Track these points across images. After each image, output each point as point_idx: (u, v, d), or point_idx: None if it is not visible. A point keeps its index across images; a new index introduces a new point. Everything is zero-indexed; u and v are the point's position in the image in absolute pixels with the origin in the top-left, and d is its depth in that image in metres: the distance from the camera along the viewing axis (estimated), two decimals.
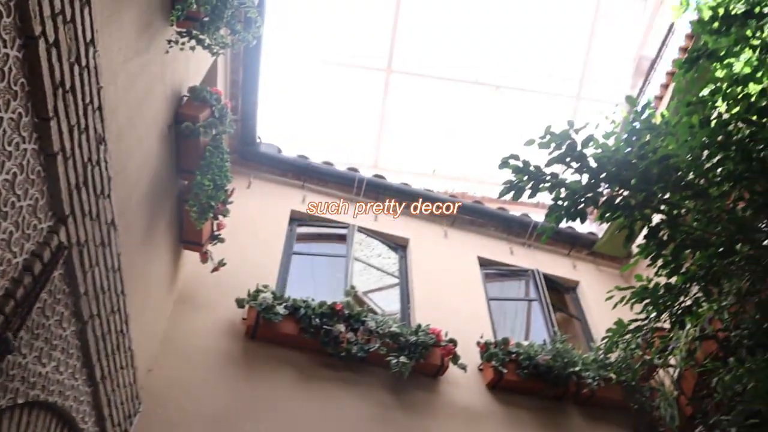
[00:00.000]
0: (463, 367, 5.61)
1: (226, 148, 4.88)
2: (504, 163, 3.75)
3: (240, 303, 5.31)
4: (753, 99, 3.86)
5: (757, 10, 3.83)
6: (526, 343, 6.07)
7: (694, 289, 4.26)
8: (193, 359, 4.96)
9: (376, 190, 7.58)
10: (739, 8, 3.98)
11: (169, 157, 4.39)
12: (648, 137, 3.92)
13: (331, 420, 4.96)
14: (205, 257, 5.22)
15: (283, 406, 4.91)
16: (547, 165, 3.75)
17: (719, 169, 3.85)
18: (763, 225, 3.99)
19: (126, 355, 3.74)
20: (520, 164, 3.72)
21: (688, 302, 4.30)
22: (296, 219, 6.96)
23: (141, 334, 4.09)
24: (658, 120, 4.07)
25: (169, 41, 3.90)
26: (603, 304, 5.01)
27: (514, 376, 5.74)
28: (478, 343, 5.98)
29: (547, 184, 3.71)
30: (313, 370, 5.24)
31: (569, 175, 3.86)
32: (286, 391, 5.03)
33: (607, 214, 3.88)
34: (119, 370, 3.67)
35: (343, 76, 9.06)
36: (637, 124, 3.96)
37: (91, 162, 2.72)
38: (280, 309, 5.22)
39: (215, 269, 5.25)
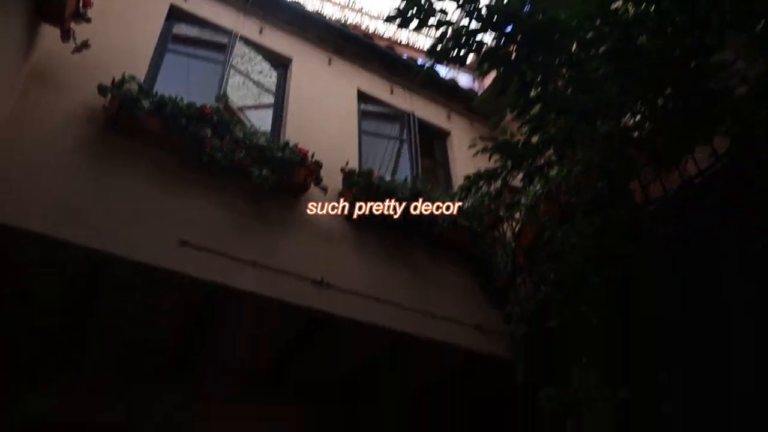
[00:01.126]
0: (324, 189, 5.74)
1: None
2: None
3: (103, 90, 4.93)
4: None
5: None
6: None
7: (550, 152, 4.56)
8: (41, 140, 4.59)
9: (265, 4, 7.11)
10: None
11: None
12: None
13: (184, 218, 4.90)
14: (66, 36, 4.78)
15: (136, 198, 4.76)
16: None
17: (600, 46, 3.98)
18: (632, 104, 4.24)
19: None
20: None
21: (542, 161, 4.62)
22: (176, 16, 6.43)
23: None
24: None
25: None
26: (468, 157, 5.23)
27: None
28: (342, 170, 6.10)
29: (435, 20, 3.68)
30: (172, 170, 5.09)
31: (460, 19, 3.85)
32: (142, 186, 4.85)
33: (486, 64, 3.95)
34: None
35: None
36: None
37: None
38: (145, 103, 4.95)
39: (77, 50, 4.84)
